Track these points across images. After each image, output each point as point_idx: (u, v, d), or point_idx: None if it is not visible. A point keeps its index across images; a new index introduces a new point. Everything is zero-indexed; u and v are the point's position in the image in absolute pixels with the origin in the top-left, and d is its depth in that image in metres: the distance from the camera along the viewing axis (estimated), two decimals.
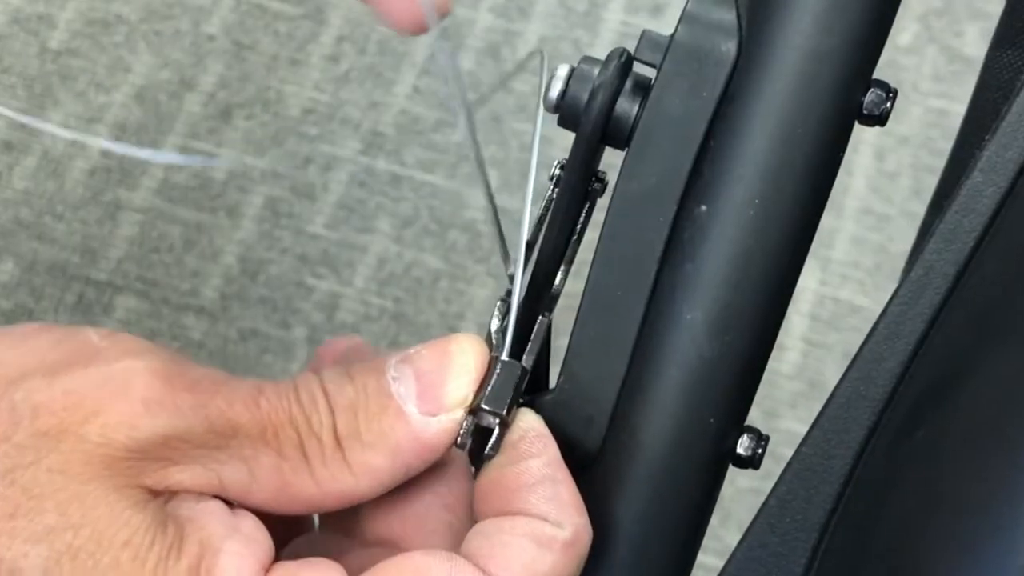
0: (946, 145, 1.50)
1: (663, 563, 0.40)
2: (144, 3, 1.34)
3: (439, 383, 0.38)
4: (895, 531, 0.36)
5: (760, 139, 0.38)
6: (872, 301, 1.43)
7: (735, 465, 0.40)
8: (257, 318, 1.35)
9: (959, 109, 1.36)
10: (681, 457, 0.39)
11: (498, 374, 0.39)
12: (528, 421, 0.39)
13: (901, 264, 1.37)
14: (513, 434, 0.39)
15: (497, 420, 0.39)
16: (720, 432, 0.39)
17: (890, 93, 0.38)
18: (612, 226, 0.39)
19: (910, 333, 0.37)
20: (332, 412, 0.38)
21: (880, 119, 0.38)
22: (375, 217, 1.39)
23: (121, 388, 0.36)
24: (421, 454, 0.38)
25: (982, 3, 1.39)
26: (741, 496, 1.12)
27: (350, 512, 0.40)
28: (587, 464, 0.40)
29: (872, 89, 0.38)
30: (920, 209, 1.47)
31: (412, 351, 0.39)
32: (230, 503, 0.38)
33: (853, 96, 0.38)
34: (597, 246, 0.39)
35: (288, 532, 0.41)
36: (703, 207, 0.38)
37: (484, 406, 0.38)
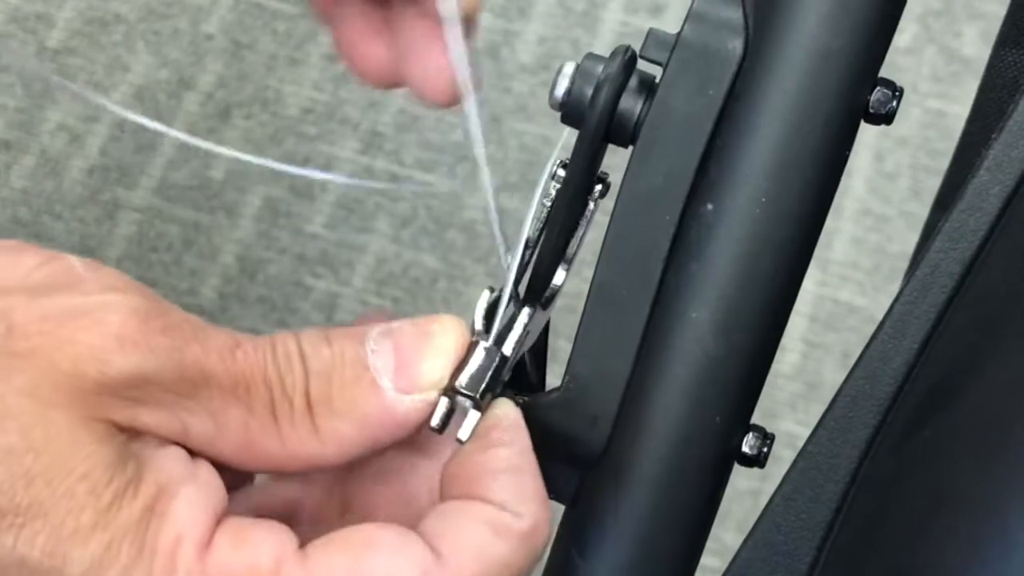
0: (944, 146, 1.50)
1: (668, 561, 0.40)
2: (143, 2, 1.34)
3: (416, 361, 0.38)
4: (901, 530, 0.36)
5: (766, 138, 0.38)
6: (871, 302, 1.43)
7: (740, 464, 0.40)
8: (255, 318, 1.35)
9: (958, 110, 1.36)
10: (686, 456, 0.39)
11: (476, 358, 0.39)
12: (503, 408, 0.39)
13: (900, 265, 1.37)
14: (487, 421, 0.39)
15: (471, 404, 0.39)
16: (726, 431, 0.39)
17: (896, 92, 0.38)
18: (618, 224, 0.39)
19: (916, 332, 0.37)
20: (307, 375, 0.38)
21: (887, 117, 0.38)
22: (374, 217, 1.39)
23: (98, 321, 0.36)
24: (390, 429, 0.38)
25: (981, 4, 1.39)
26: (740, 497, 1.11)
27: (338, 474, 0.41)
28: (592, 463, 0.40)
29: (878, 88, 0.38)
30: (919, 210, 1.47)
31: (395, 325, 0.39)
32: (191, 451, 0.38)
33: (859, 95, 0.38)
34: (603, 244, 0.39)
35: (236, 484, 0.40)
36: (709, 206, 0.38)
37: (458, 388, 0.38)
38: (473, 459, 0.38)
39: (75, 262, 0.37)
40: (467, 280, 1.35)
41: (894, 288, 1.47)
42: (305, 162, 1.34)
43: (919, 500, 0.36)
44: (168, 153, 1.35)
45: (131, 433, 0.37)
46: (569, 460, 0.40)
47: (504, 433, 0.38)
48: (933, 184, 1.48)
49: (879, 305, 1.43)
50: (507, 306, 0.40)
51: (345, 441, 0.38)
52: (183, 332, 0.37)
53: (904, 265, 1.44)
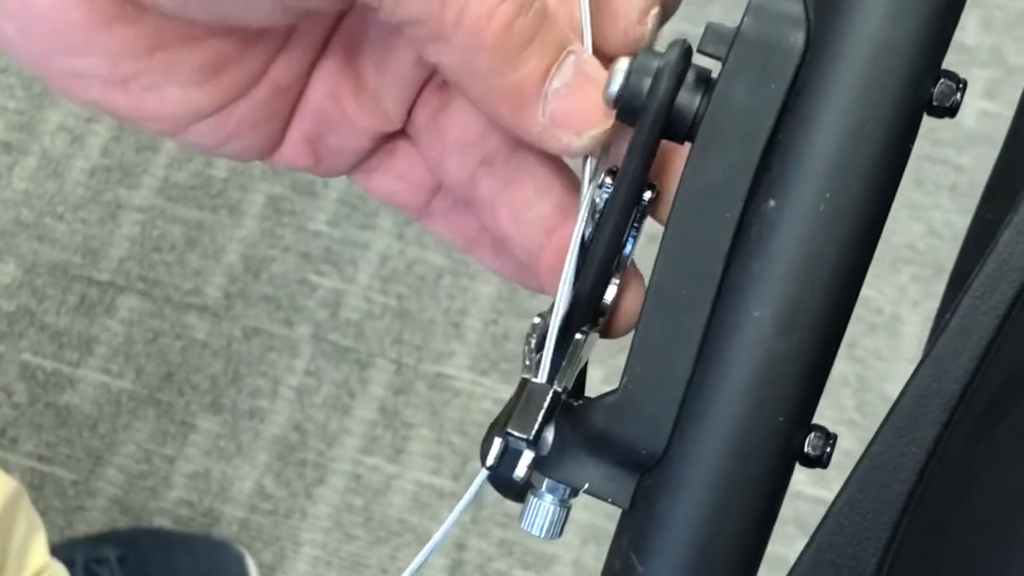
0: (947, 135, 1.50)
1: (730, 564, 0.39)
2: None
3: None
4: (973, 532, 0.35)
5: (829, 133, 0.37)
6: (875, 292, 1.43)
7: (802, 464, 0.39)
8: (261, 316, 1.34)
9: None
10: (749, 457, 0.38)
11: (527, 399, 0.38)
12: None
13: (903, 255, 1.37)
14: None
15: (525, 444, 0.38)
16: (788, 431, 0.38)
17: (960, 84, 0.37)
18: (677, 222, 0.38)
19: (984, 327, 0.37)
20: None
21: (950, 110, 0.37)
22: (377, 214, 1.38)
23: None
24: None
25: None
26: None
27: None
28: (651, 465, 0.39)
29: (942, 80, 0.37)
30: (921, 199, 1.46)
31: None
32: None
33: (923, 88, 0.37)
34: (661, 243, 0.39)
35: None
36: (771, 203, 0.37)
37: (510, 430, 0.38)
38: None
39: None
40: (472, 276, 1.34)
41: (898, 278, 1.46)
42: None
43: (992, 501, 0.35)
44: (170, 152, 1.34)
45: None
46: (627, 463, 0.39)
47: None
48: (935, 173, 1.47)
49: (883, 295, 1.42)
50: (557, 338, 0.39)
51: None
52: None
53: (907, 254, 1.44)
